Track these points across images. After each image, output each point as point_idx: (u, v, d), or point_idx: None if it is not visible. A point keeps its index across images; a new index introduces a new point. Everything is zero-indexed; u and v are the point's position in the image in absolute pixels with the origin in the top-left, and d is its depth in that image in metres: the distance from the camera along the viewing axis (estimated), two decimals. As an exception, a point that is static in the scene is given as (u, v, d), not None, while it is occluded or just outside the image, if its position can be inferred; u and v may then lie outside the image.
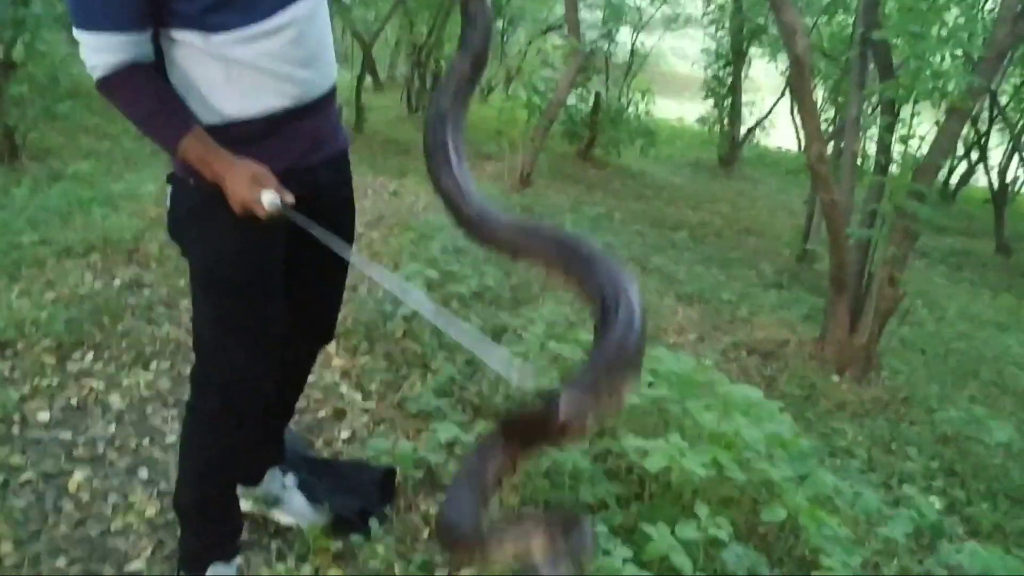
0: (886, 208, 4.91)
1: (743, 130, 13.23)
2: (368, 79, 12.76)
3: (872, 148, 6.18)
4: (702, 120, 13.68)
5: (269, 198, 1.48)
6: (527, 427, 1.08)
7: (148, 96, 1.49)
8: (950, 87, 4.73)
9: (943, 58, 4.82)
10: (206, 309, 1.72)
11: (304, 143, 1.67)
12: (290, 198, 1.52)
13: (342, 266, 1.90)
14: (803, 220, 8.37)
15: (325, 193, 1.76)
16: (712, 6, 12.96)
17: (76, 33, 1.47)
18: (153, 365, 2.80)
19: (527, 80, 8.06)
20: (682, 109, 17.38)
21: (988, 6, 8.71)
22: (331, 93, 1.74)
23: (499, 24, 17.54)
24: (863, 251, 5.27)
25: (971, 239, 11.52)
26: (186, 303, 3.39)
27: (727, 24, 12.62)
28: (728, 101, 12.91)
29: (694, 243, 8.12)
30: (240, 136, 1.58)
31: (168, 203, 1.68)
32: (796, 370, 5.08)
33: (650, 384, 2.56)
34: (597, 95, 10.75)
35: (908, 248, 5.07)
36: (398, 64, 17.21)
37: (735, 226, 9.32)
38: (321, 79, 1.67)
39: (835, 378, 5.11)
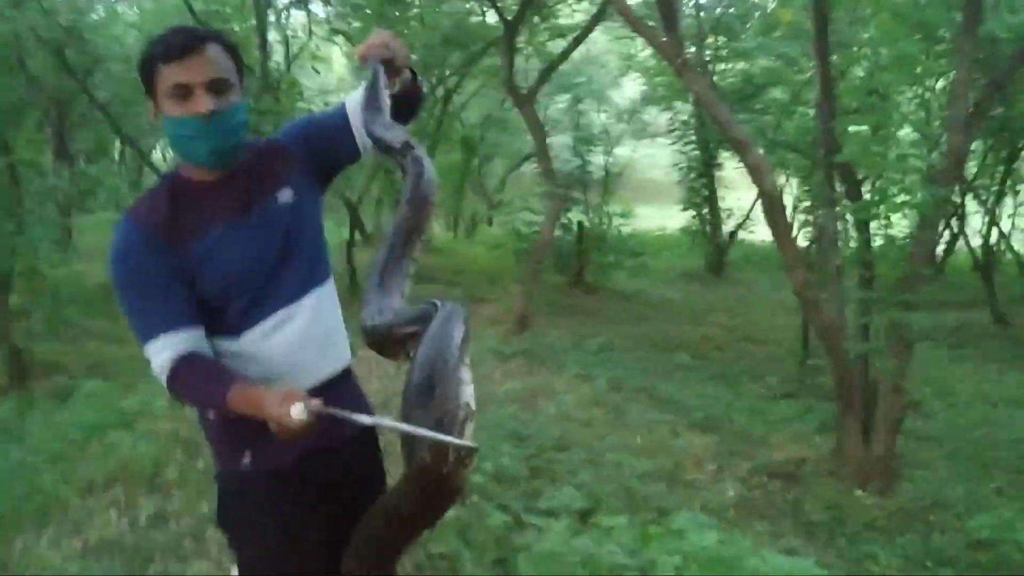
0: (878, 322, 5.04)
1: (726, 233, 13.51)
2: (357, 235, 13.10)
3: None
4: (684, 230, 13.99)
5: (297, 410, 1.51)
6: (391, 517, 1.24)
7: (199, 375, 1.63)
8: (918, 199, 4.92)
9: (904, 175, 5.03)
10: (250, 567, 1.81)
11: (324, 422, 1.71)
12: (317, 403, 1.54)
13: None
14: (800, 319, 8.48)
15: (353, 472, 1.85)
16: (676, 123, 13.44)
17: (143, 350, 1.65)
18: (190, 610, 2.83)
19: (511, 226, 8.30)
20: (662, 215, 17.76)
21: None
22: (345, 372, 1.86)
23: (475, 162, 18.16)
24: (864, 362, 5.36)
25: (966, 311, 11.62)
26: (212, 533, 3.44)
27: (694, 136, 13.06)
28: (707, 209, 13.24)
29: (698, 362, 8.21)
30: (253, 423, 1.62)
31: (217, 501, 1.81)
32: (819, 491, 5.07)
33: (678, 569, 2.60)
34: (580, 224, 11.03)
35: (907, 356, 5.16)
36: (382, 217, 17.66)
37: (735, 335, 9.43)
38: (334, 359, 1.80)
39: (858, 492, 5.11)
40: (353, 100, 1.81)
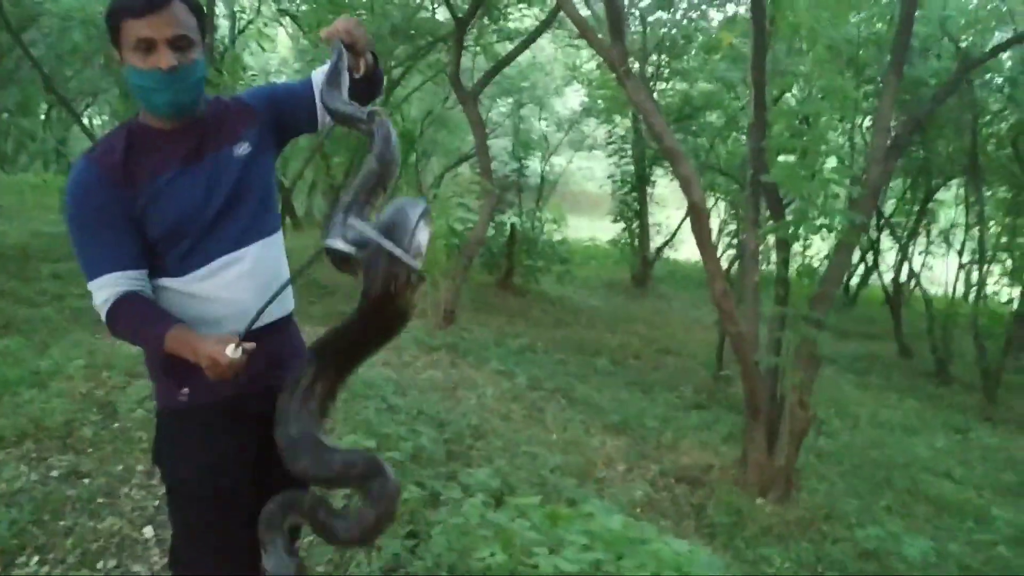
0: (789, 337, 5.28)
1: (653, 248, 13.82)
2: (288, 220, 12.98)
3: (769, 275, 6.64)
4: (614, 242, 14.26)
5: (231, 349, 1.63)
6: (347, 334, 1.41)
7: (137, 314, 1.73)
8: (835, 223, 5.17)
9: (826, 198, 5.28)
10: (179, 523, 1.90)
11: (259, 366, 1.81)
12: (250, 345, 1.67)
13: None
14: (715, 336, 8.79)
15: None
16: (614, 136, 13.70)
17: (89, 287, 1.75)
18: (100, 564, 2.82)
19: (445, 219, 8.36)
20: (593, 227, 18.05)
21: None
22: (286, 319, 1.97)
23: (412, 157, 18.13)
24: (773, 376, 5.60)
25: (874, 342, 12.16)
26: (125, 490, 3.43)
27: (630, 151, 13.33)
28: (636, 223, 13.53)
29: (615, 368, 8.40)
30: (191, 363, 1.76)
31: (154, 434, 1.92)
32: (722, 496, 5.28)
33: (585, 547, 2.71)
34: (512, 226, 11.16)
35: (814, 372, 5.41)
36: (314, 203, 17.49)
37: (653, 346, 9.67)
38: (275, 307, 1.87)
39: (759, 501, 5.33)
40: (319, 74, 1.90)
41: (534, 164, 13.86)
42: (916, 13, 5.60)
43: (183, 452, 1.86)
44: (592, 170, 22.12)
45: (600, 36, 5.56)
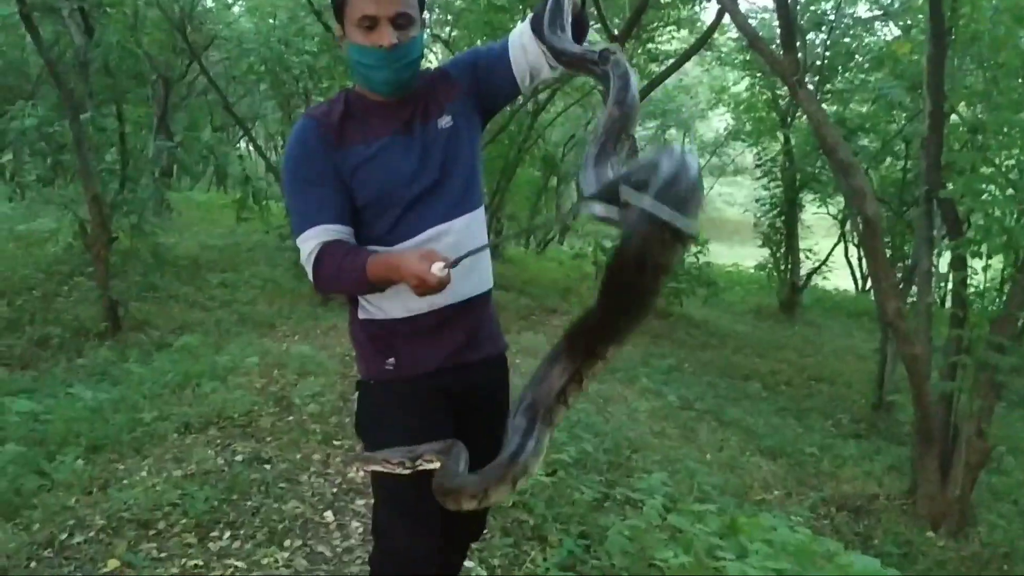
0: (967, 361, 4.98)
1: (801, 275, 13.38)
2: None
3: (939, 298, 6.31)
4: (760, 267, 13.89)
5: (438, 267, 1.59)
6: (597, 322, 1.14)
7: (339, 254, 1.74)
8: (1021, 241, 4.87)
9: (1011, 214, 4.98)
10: (380, 491, 1.90)
11: (459, 340, 1.87)
12: (454, 258, 1.64)
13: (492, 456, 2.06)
14: (871, 365, 8.41)
15: (480, 393, 1.93)
16: (763, 158, 13.39)
17: (296, 243, 1.79)
18: (287, 543, 2.93)
19: (594, 237, 8.36)
20: (733, 254, 17.67)
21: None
22: (486, 296, 1.94)
23: (553, 181, 18.30)
24: (946, 403, 5.29)
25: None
26: (305, 477, 3.56)
27: (779, 174, 12.99)
28: (783, 248, 13.13)
29: (767, 393, 8.15)
30: (401, 331, 1.84)
31: (356, 406, 1.94)
32: (890, 526, 5.02)
33: (769, 557, 2.61)
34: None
35: (993, 399, 5.08)
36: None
37: (804, 373, 9.33)
38: (476, 283, 1.88)
39: (930, 534, 5.03)
40: (518, 35, 1.85)
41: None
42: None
43: (388, 420, 1.87)
44: (733, 195, 21.72)
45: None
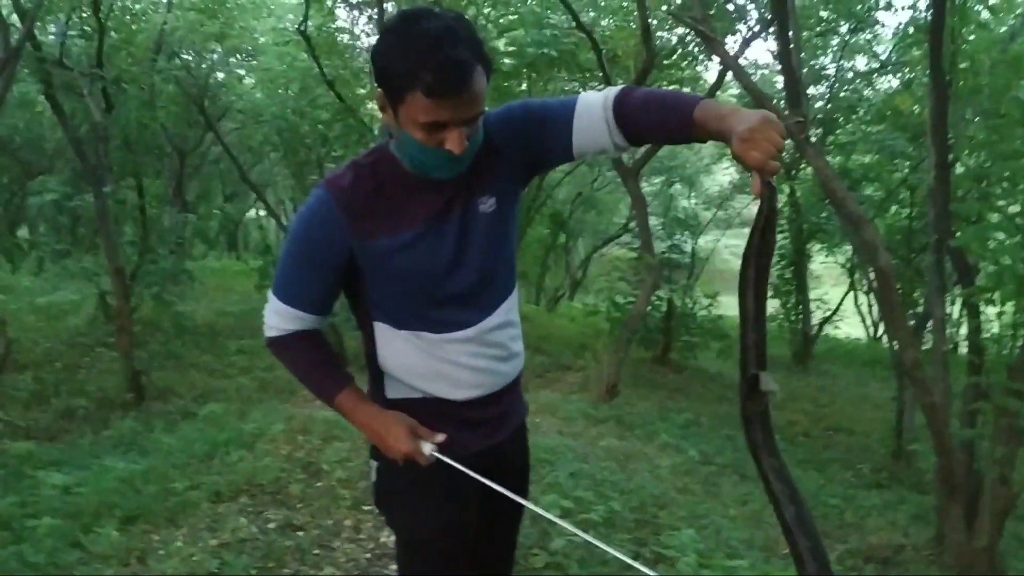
0: (987, 408, 5.00)
1: (812, 324, 13.43)
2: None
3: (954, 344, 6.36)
4: (771, 318, 13.93)
5: (429, 448, 1.66)
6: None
7: (308, 356, 1.74)
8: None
9: (1021, 261, 5.05)
10: (409, 569, 1.88)
11: (495, 424, 1.85)
12: (441, 437, 1.69)
13: (517, 522, 2.08)
14: (888, 414, 8.42)
15: (506, 461, 1.92)
16: (770, 211, 13.51)
17: (270, 294, 1.72)
18: (327, 611, 2.97)
19: (607, 295, 8.45)
20: (745, 305, 17.67)
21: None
22: (521, 371, 1.90)
23: (561, 237, 18.49)
24: (968, 451, 5.30)
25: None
26: (338, 543, 3.60)
27: (787, 226, 13.12)
28: (794, 299, 13.21)
29: (786, 445, 8.14)
30: (441, 413, 1.76)
31: (373, 476, 1.86)
32: (919, 578, 5.01)
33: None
34: (670, 301, 11.13)
35: (1016, 445, 5.09)
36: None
37: (821, 423, 9.32)
38: (514, 368, 1.85)
39: (960, 584, 5.01)
40: (587, 100, 1.66)
41: (684, 242, 13.84)
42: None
43: (415, 503, 1.79)
44: (739, 247, 21.78)
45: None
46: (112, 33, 8.83)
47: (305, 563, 3.36)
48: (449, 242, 1.64)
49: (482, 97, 1.50)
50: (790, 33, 4.91)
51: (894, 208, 12.23)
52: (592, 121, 1.64)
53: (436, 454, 1.68)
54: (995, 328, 5.54)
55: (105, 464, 4.60)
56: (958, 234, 5.19)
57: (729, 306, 15.12)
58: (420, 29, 1.45)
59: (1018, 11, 8.45)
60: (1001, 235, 5.19)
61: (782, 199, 13.42)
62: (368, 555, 3.49)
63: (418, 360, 1.73)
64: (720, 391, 10.51)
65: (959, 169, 7.34)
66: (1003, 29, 8.50)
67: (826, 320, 13.64)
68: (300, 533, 3.66)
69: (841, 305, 13.92)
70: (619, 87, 1.66)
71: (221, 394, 6.87)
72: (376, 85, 1.54)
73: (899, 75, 10.54)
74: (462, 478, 1.72)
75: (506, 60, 9.38)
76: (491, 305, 1.74)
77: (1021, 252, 4.96)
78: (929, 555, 5.32)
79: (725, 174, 16.93)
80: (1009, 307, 5.27)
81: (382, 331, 1.74)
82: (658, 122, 1.60)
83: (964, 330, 5.87)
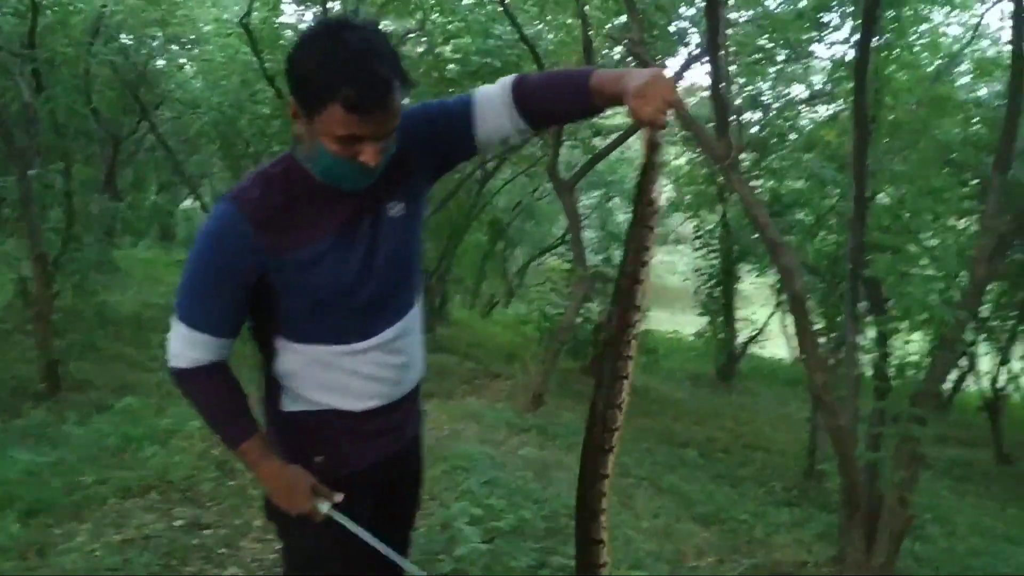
0: (890, 432, 5.21)
1: (738, 343, 13.73)
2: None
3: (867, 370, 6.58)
4: (698, 335, 14.21)
5: (324, 507, 1.69)
6: None
7: (218, 396, 1.69)
8: (938, 317, 5.15)
9: (934, 293, 5.27)
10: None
11: (392, 435, 1.87)
12: (338, 498, 1.70)
13: (408, 529, 2.11)
14: (804, 434, 8.66)
15: (401, 470, 1.97)
16: (702, 230, 13.81)
17: (174, 321, 1.64)
18: (226, 609, 2.97)
19: (538, 305, 8.54)
20: (674, 321, 18.00)
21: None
22: (421, 382, 1.93)
23: (499, 245, 18.56)
24: (872, 473, 5.50)
25: (971, 449, 11.72)
26: (246, 544, 3.59)
27: (718, 245, 13.40)
28: (721, 318, 13.49)
29: (703, 460, 8.32)
30: (341, 426, 1.77)
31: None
32: (818, 594, 5.17)
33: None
34: (600, 314, 11.27)
35: (916, 470, 5.30)
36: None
37: (740, 441, 9.55)
38: (415, 376, 1.88)
39: (856, 601, 5.19)
40: (485, 90, 1.71)
41: (619, 256, 14.05)
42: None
43: (306, 525, 1.74)
44: (674, 264, 22.21)
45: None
46: (48, 12, 8.63)
47: (210, 561, 3.35)
48: (359, 250, 1.65)
49: (399, 112, 1.53)
50: (720, 61, 5.05)
51: (823, 234, 12.62)
52: (493, 109, 1.68)
53: (332, 513, 1.71)
54: (910, 356, 5.77)
55: (11, 455, 4.50)
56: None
57: (659, 320, 15.42)
58: (342, 41, 1.46)
59: (943, 52, 8.82)
60: (916, 269, 5.41)
61: (714, 219, 13.73)
62: (274, 555, 3.47)
63: (319, 373, 1.72)
64: (644, 405, 10.67)
65: (885, 200, 7.63)
66: (930, 69, 8.86)
67: (752, 339, 13.95)
68: (207, 532, 3.65)
69: (767, 325, 14.25)
70: (513, 75, 1.71)
71: (140, 388, 6.75)
72: (291, 92, 1.55)
73: (829, 107, 10.86)
74: (354, 494, 1.76)
75: (451, 66, 9.43)
76: (399, 312, 1.75)
77: (929, 284, 5.19)
78: (830, 572, 5.50)
79: (662, 191, 17.17)
80: (916, 336, 5.50)
81: (283, 345, 1.72)
82: (557, 98, 1.68)
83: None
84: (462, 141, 1.72)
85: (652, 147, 1.51)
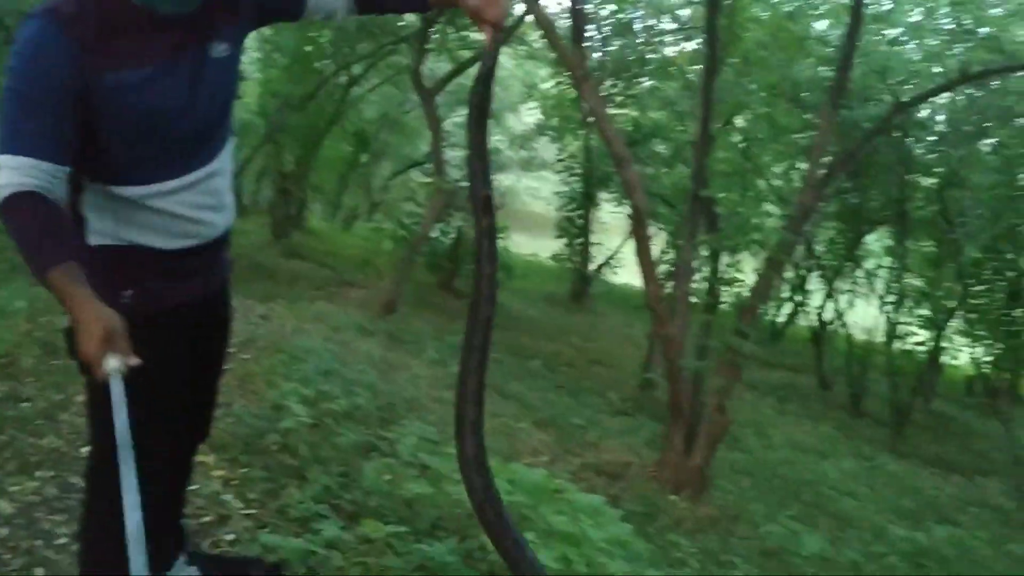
0: (714, 344, 5.58)
1: (593, 267, 14.16)
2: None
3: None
4: (556, 257, 14.56)
5: (113, 364, 1.42)
6: None
7: (34, 218, 1.47)
8: (766, 237, 5.50)
9: (760, 216, 5.62)
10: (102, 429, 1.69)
11: (202, 277, 1.86)
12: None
13: (220, 368, 2.14)
14: (645, 352, 9.13)
15: (209, 313, 1.96)
16: (564, 154, 14.04)
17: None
18: (39, 473, 2.91)
19: (396, 215, 8.52)
20: (535, 245, 18.36)
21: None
22: (229, 229, 1.92)
23: (364, 158, 18.25)
24: (697, 382, 5.89)
25: (796, 374, 12.64)
26: (66, 416, 3.50)
27: (579, 170, 13.67)
28: (579, 241, 13.84)
29: (548, 372, 8.62)
30: (143, 261, 1.71)
31: (69, 339, 1.60)
32: (638, 489, 5.51)
33: (509, 493, 2.90)
34: (459, 230, 11.36)
35: (735, 379, 5.70)
36: (262, 190, 17.35)
37: (585, 356, 9.94)
38: (225, 220, 1.86)
39: (673, 497, 5.58)
40: None
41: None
42: (858, 61, 6.01)
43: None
44: (539, 190, 22.48)
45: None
46: None
47: (25, 431, 3.26)
48: (182, 86, 1.60)
49: None
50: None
51: (680, 166, 13.08)
52: None
53: (113, 376, 1.43)
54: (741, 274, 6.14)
55: None
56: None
57: (520, 244, 15.65)
58: None
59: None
60: (754, 192, 5.73)
61: (578, 144, 13.97)
62: (96, 428, 3.42)
63: (126, 211, 1.67)
64: (498, 320, 10.80)
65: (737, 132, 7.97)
66: (787, 8, 9.19)
67: (604, 264, 14.40)
68: (26, 404, 3.53)
69: (621, 251, 14.73)
70: None
71: (-37, 268, 6.35)
72: None
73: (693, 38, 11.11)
74: (170, 335, 1.75)
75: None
76: (212, 153, 1.73)
77: (758, 206, 5.52)
78: (652, 472, 5.87)
79: (530, 115, 17.27)
80: (745, 255, 5.86)
81: (90, 186, 1.65)
82: None
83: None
84: (294, 4, 1.78)
85: (495, 45, 1.57)
